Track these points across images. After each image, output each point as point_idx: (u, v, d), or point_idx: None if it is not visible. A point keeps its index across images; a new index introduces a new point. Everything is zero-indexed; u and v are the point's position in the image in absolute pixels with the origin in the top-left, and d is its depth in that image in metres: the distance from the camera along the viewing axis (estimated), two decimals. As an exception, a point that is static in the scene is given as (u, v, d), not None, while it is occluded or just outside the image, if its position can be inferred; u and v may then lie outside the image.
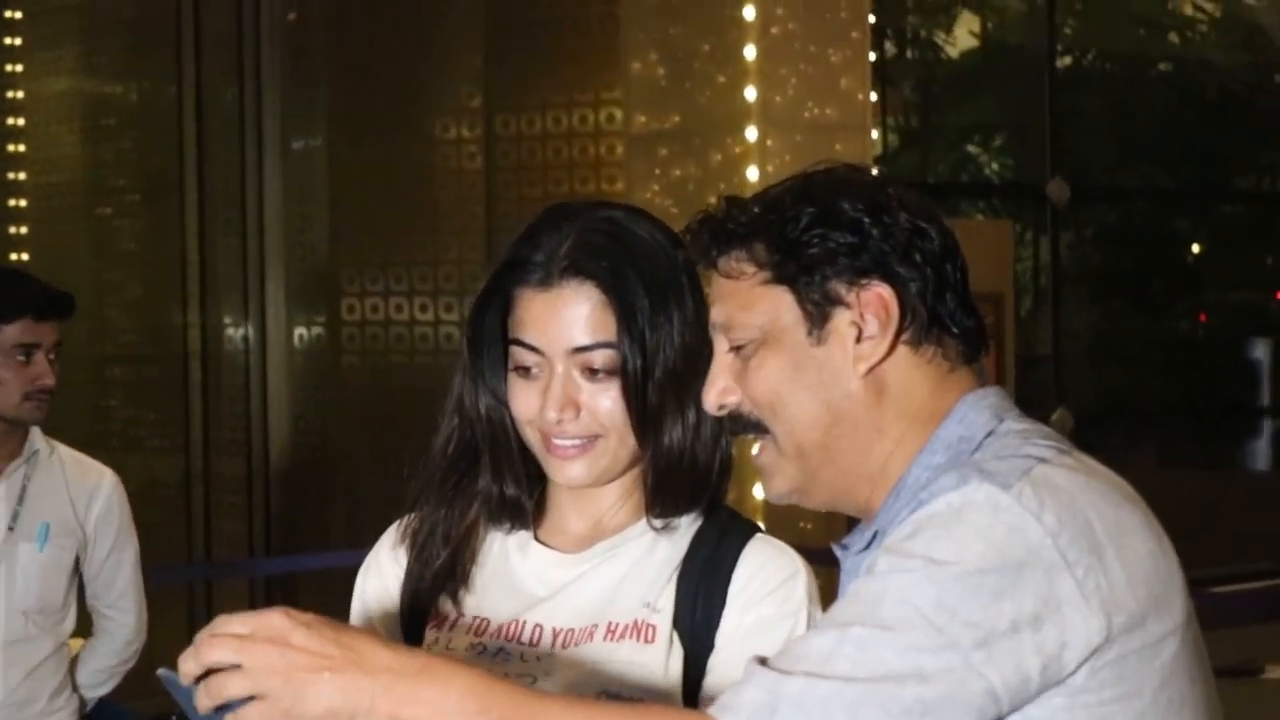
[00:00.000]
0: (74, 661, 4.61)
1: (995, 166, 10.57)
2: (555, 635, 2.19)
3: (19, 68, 7.80)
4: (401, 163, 7.86)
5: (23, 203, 7.69)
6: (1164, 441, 10.57)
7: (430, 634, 2.25)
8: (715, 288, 1.98)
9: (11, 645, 4.42)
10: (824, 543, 6.48)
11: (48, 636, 4.46)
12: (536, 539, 2.27)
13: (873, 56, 7.35)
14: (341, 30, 8.05)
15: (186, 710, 1.75)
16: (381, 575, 2.32)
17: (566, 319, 2.16)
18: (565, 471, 2.20)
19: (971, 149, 10.44)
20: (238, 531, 7.87)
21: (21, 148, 7.75)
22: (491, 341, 2.24)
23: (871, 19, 7.28)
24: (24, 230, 7.67)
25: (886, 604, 1.69)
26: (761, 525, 2.32)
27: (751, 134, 6.84)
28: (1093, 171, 10.14)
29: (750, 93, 6.86)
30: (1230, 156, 10.52)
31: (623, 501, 2.25)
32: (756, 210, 1.94)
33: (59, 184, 7.93)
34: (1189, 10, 10.77)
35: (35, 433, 4.48)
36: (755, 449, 1.98)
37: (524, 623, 2.21)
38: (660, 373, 2.17)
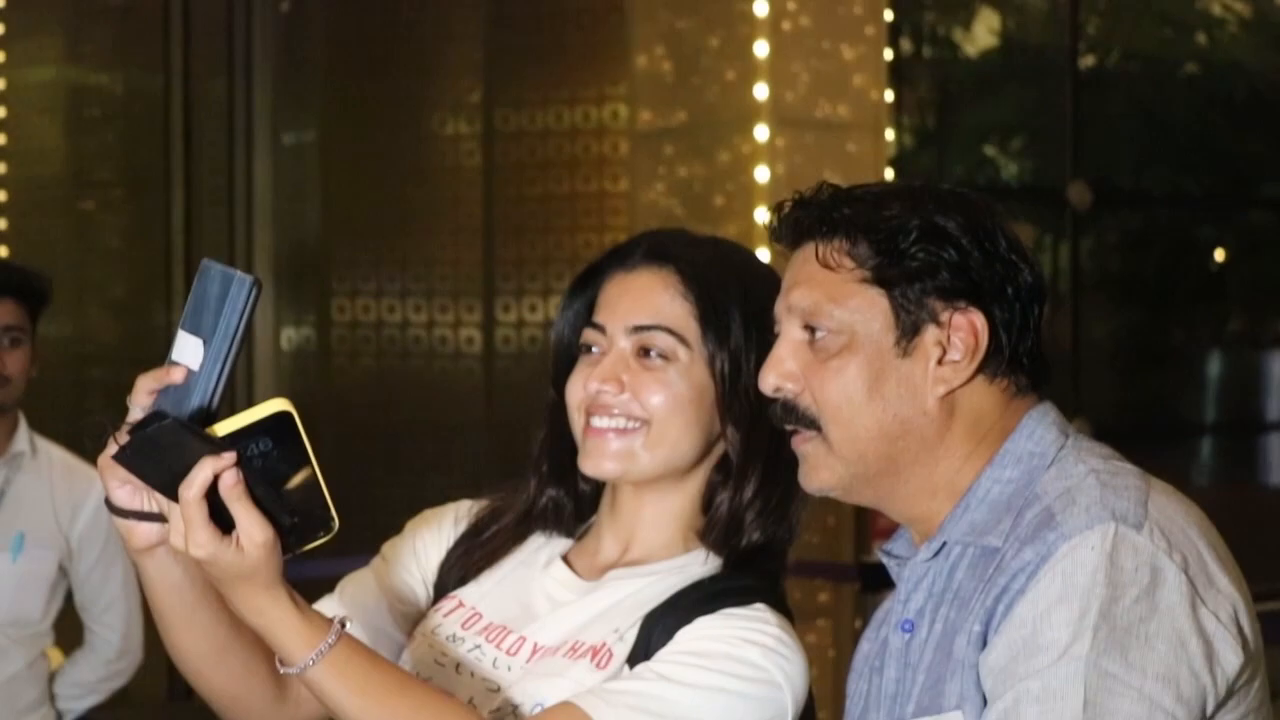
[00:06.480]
0: (54, 675, 4.40)
1: (1014, 169, 10.39)
2: (535, 651, 2.20)
3: (0, 55, 7.59)
4: (397, 159, 7.68)
5: (2, 195, 7.51)
6: (1185, 455, 10.38)
7: (431, 614, 2.29)
8: (801, 271, 1.95)
9: (-21, 659, 4.21)
10: (825, 557, 6.13)
11: (20, 650, 4.26)
12: (564, 558, 2.28)
13: (888, 54, 7.21)
14: (336, 20, 7.88)
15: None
16: (439, 533, 2.35)
17: (636, 299, 2.17)
18: (596, 457, 2.16)
19: (989, 151, 10.26)
20: (222, 540, 7.69)
21: (1, 139, 7.56)
22: (575, 335, 2.25)
23: (888, 15, 7.12)
24: (2, 224, 7.48)
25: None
26: (786, 607, 2.20)
27: (761, 133, 6.68)
28: (1115, 175, 10.01)
29: (760, 90, 6.71)
30: (1258, 161, 10.40)
31: (659, 530, 2.23)
32: (862, 206, 1.94)
33: (41, 177, 7.76)
34: (1217, 10, 10.64)
35: (21, 432, 4.31)
36: (796, 437, 1.97)
37: (510, 632, 2.23)
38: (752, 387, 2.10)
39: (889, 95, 7.18)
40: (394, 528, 2.44)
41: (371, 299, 7.63)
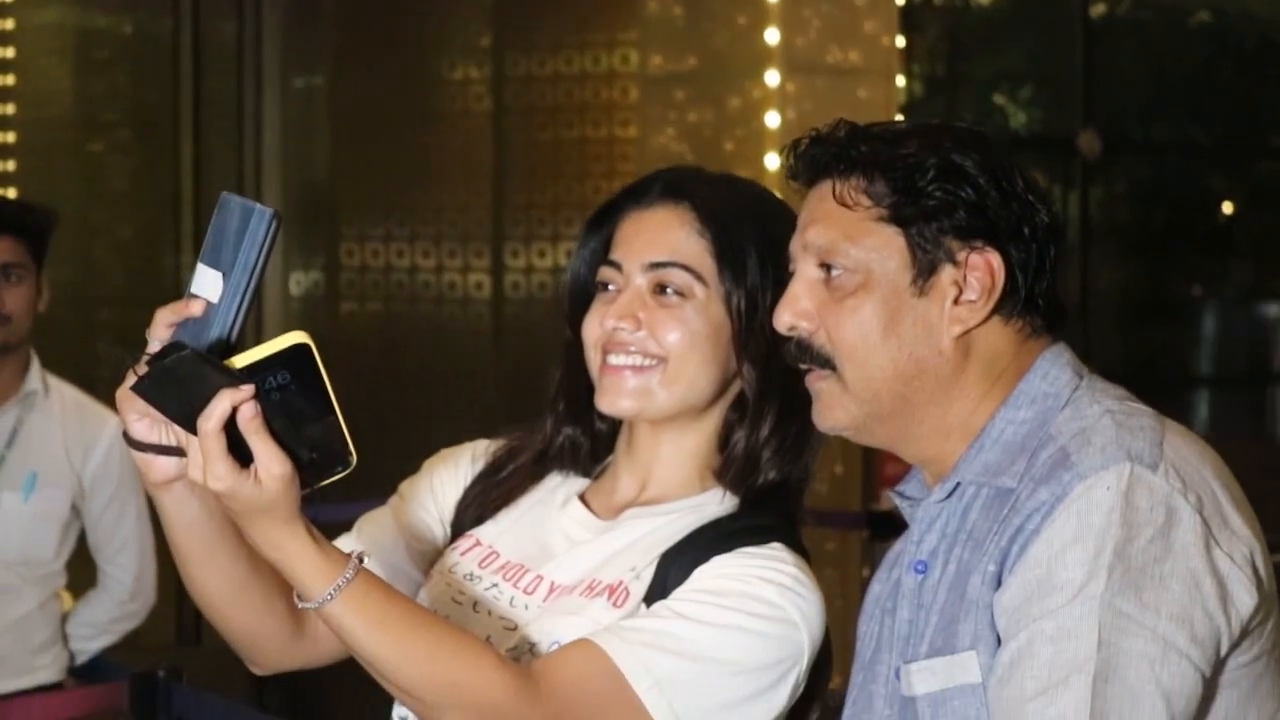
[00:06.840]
0: (66, 615, 4.41)
1: (1024, 118, 10.35)
2: (552, 589, 2.20)
3: (9, -3, 7.59)
4: (406, 103, 7.64)
5: (10, 137, 7.48)
6: (1193, 406, 10.37)
7: (449, 553, 2.29)
8: (817, 209, 1.94)
9: (-9, 597, 4.22)
10: (833, 506, 6.12)
11: (33, 589, 4.27)
12: (581, 498, 2.28)
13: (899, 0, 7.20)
14: (346, -37, 7.84)
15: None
16: (456, 472, 2.36)
17: (652, 235, 2.17)
18: (613, 395, 2.16)
19: (999, 99, 10.22)
20: (229, 483, 7.70)
21: (10, 80, 7.52)
22: (591, 273, 2.24)
23: (899, -40, 7.11)
24: (11, 166, 7.46)
25: (1116, 669, 1.75)
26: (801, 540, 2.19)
27: (772, 78, 6.67)
28: (1125, 125, 9.96)
29: (771, 35, 6.70)
30: (1269, 111, 10.35)
31: (675, 469, 2.22)
32: (880, 144, 1.92)
33: (49, 118, 7.70)
34: (1229, -42, 10.59)
35: (33, 372, 4.29)
36: (811, 375, 1.96)
37: (528, 570, 2.22)
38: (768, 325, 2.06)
39: (900, 41, 7.17)
40: (402, 473, 2.44)
41: (380, 244, 7.60)
